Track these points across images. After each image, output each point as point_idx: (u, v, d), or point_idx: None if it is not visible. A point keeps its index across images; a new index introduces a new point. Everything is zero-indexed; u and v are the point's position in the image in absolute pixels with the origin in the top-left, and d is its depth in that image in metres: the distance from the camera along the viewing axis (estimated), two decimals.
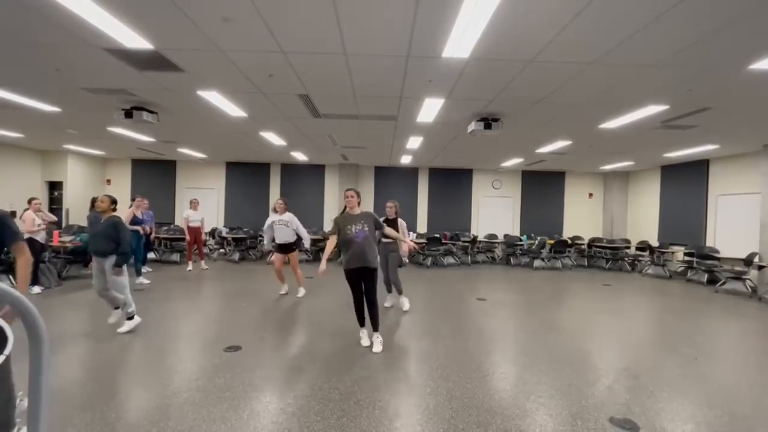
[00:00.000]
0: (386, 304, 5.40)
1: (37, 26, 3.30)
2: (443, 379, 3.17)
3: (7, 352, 1.04)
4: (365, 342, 3.89)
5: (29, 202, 6.00)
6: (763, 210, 7.27)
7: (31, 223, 5.77)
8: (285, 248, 5.75)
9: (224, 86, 4.81)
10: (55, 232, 6.91)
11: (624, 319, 5.32)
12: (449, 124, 6.40)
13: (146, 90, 4.99)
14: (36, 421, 0.89)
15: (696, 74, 3.97)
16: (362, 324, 3.96)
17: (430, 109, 5.54)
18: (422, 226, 12.19)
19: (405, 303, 5.34)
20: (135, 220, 6.67)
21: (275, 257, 5.88)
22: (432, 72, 4.14)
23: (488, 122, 5.72)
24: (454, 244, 10.45)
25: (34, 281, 5.80)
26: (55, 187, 10.84)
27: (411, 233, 10.99)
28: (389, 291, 5.48)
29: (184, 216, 8.15)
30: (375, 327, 3.87)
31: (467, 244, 10.66)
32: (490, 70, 4.05)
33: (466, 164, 11.47)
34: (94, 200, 6.62)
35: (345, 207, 3.84)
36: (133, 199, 6.97)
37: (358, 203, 3.83)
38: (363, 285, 3.78)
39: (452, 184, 12.30)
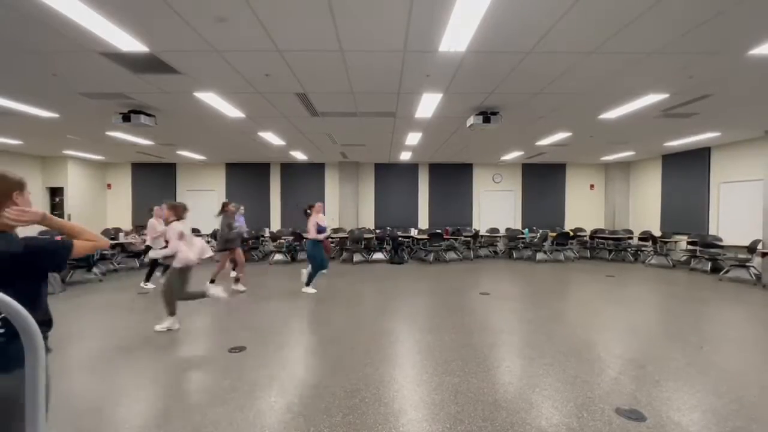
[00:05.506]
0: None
1: (33, 32, 3.28)
2: (448, 374, 3.17)
3: None
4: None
5: None
6: (766, 196, 7.20)
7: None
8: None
9: (221, 87, 4.79)
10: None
11: (628, 309, 5.31)
12: (448, 119, 6.37)
13: (143, 93, 4.97)
14: (35, 426, 0.89)
15: (695, 61, 3.93)
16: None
17: (428, 104, 5.51)
18: (424, 222, 12.16)
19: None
20: None
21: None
22: (429, 66, 4.12)
23: (487, 116, 5.69)
24: (456, 239, 10.44)
25: None
26: (56, 193, 10.86)
27: (412, 229, 11.01)
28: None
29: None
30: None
31: (469, 238, 10.64)
32: (488, 63, 4.02)
33: (466, 159, 11.43)
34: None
35: None
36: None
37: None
38: None
39: (453, 179, 12.26)
